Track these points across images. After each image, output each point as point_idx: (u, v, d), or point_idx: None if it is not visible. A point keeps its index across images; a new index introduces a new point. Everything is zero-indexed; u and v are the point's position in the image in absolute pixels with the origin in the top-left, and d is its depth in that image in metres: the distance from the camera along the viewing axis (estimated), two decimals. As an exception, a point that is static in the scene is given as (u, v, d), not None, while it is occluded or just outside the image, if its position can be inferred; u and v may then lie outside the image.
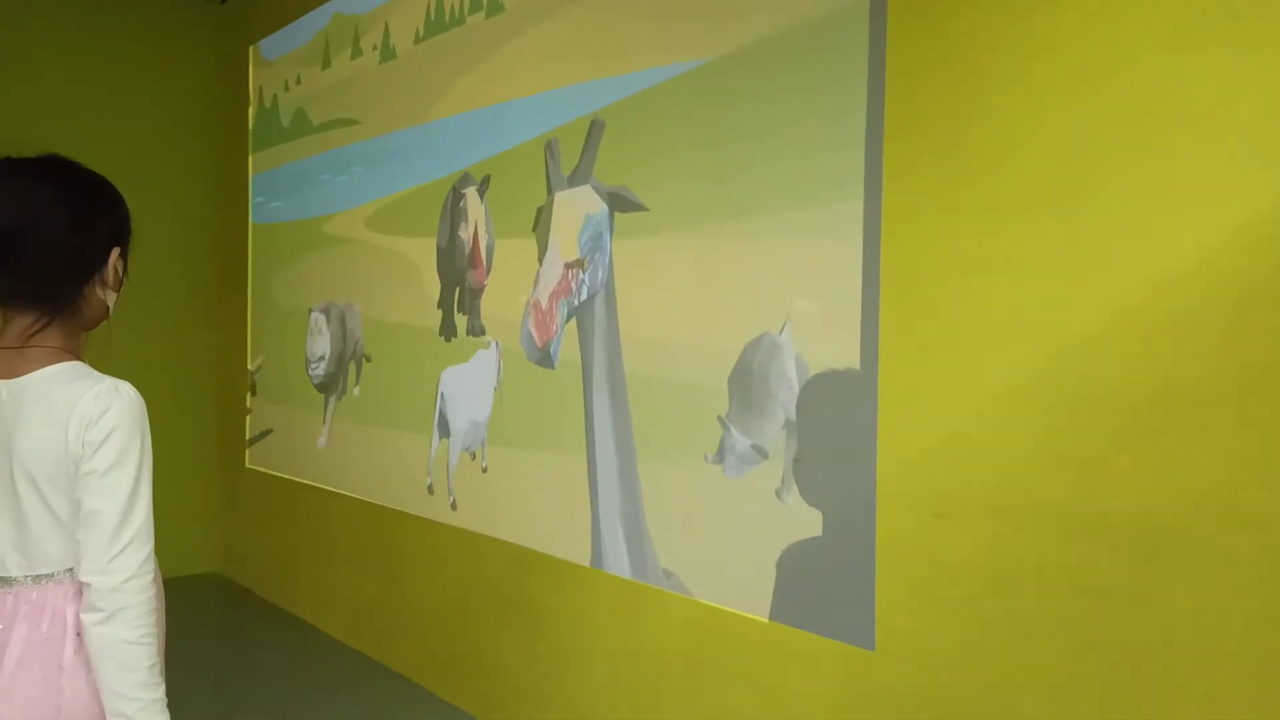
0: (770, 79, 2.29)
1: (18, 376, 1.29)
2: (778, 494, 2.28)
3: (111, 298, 1.40)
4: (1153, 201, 1.67)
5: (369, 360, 3.93)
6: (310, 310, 4.58)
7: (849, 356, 2.12)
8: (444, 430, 3.41)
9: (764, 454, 2.30)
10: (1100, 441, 1.73)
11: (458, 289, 3.40)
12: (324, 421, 4.28)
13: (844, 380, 2.14)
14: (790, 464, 2.25)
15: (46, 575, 1.31)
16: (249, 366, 4.79)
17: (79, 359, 1.34)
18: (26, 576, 1.31)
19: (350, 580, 3.96)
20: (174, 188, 4.96)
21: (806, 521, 2.22)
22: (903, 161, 2.01)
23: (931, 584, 1.98)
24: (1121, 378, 1.71)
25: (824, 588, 2.19)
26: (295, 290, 4.43)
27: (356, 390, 4.00)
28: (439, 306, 3.47)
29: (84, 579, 1.25)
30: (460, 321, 3.36)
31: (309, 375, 4.61)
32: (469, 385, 3.30)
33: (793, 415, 2.24)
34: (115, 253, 1.38)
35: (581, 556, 2.82)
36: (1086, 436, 1.75)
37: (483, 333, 3.25)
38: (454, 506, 3.33)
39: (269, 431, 4.60)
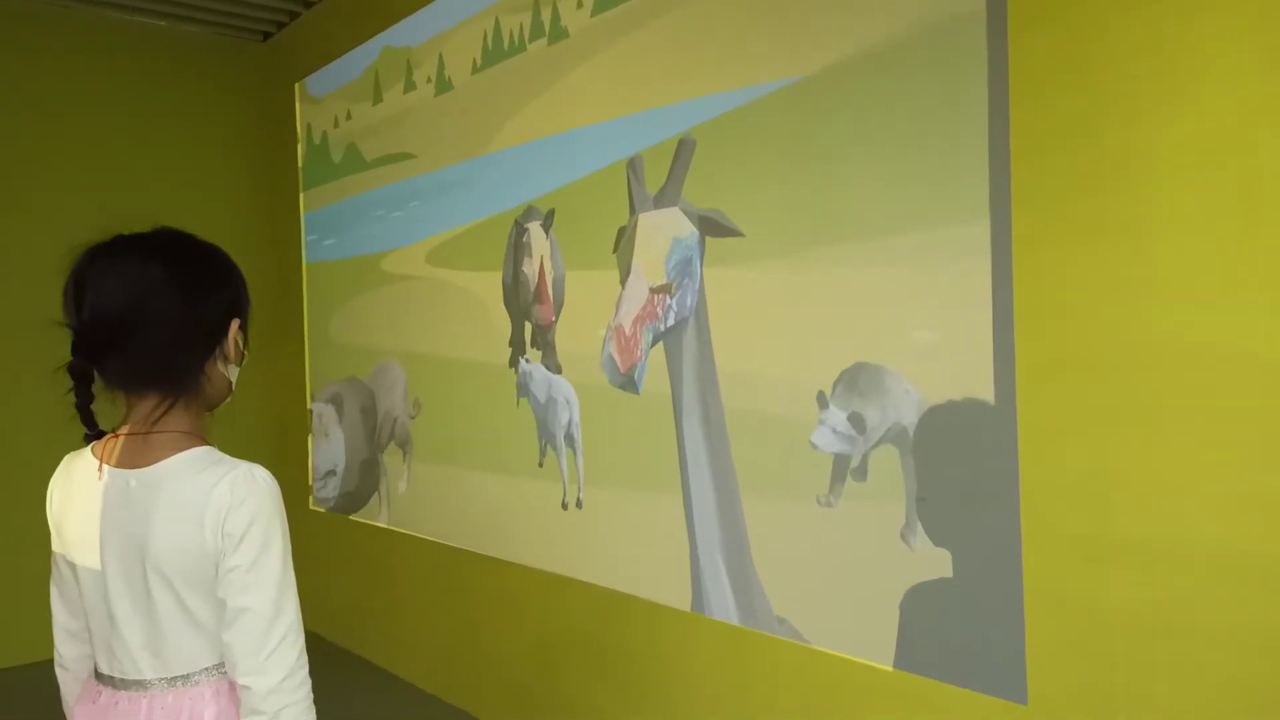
0: (874, 93, 2.17)
1: (147, 465, 1.20)
2: (903, 536, 2.14)
3: (234, 373, 1.31)
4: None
5: (414, 416, 3.73)
6: (314, 400, 4.27)
7: (979, 387, 1.99)
8: (544, 434, 3.20)
9: (862, 428, 2.18)
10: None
11: (527, 324, 3.30)
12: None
13: (973, 412, 2.01)
14: (914, 503, 2.12)
15: (183, 677, 1.21)
16: (310, 405, 4.72)
17: (206, 442, 1.25)
18: (161, 679, 1.22)
19: (427, 624, 3.86)
20: (224, 229, 4.84)
21: (934, 561, 2.09)
22: (1033, 177, 1.88)
23: (1091, 632, 1.83)
24: (1305, 405, 1.57)
25: (958, 633, 2.05)
26: (354, 328, 4.36)
27: (403, 485, 3.77)
28: (510, 344, 3.37)
29: (240, 681, 1.16)
30: (534, 358, 3.26)
31: (313, 496, 4.23)
32: (544, 387, 3.19)
33: (904, 422, 2.12)
34: (235, 325, 1.29)
35: (681, 601, 2.70)
36: (1269, 470, 1.61)
37: (559, 370, 3.14)
38: (579, 504, 3.10)
39: (334, 471, 4.52)
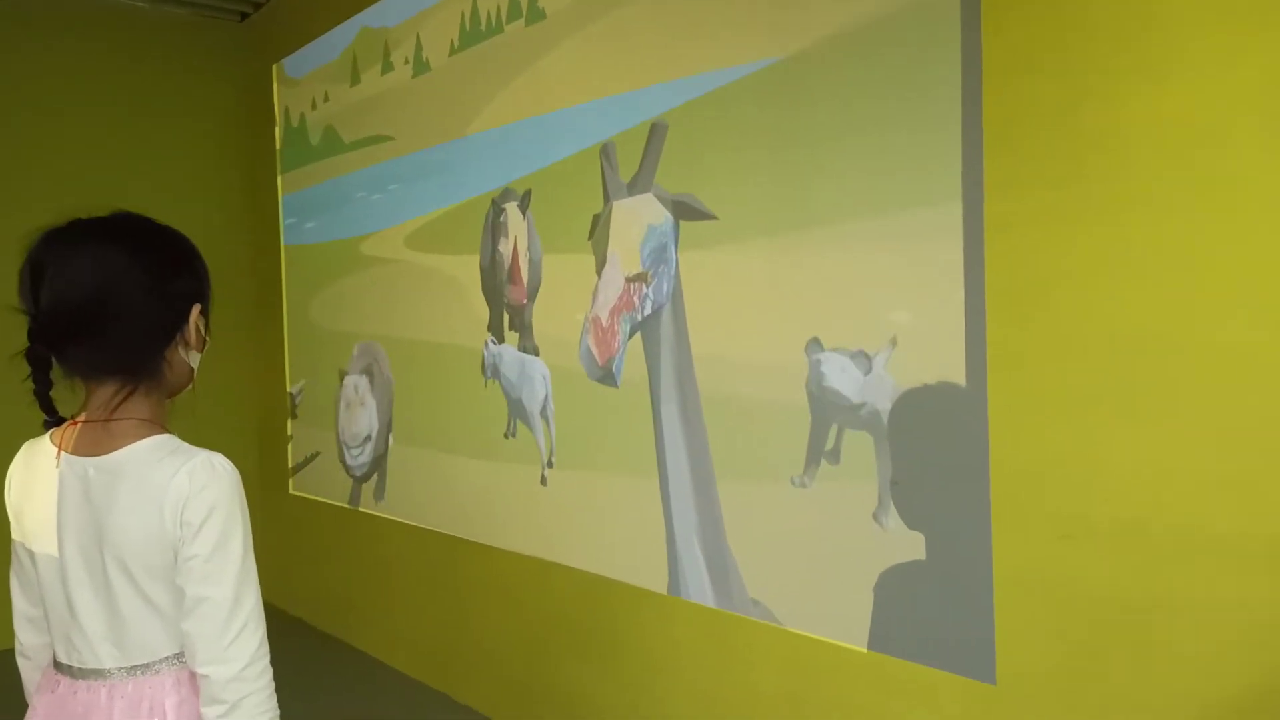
0: (848, 76, 2.16)
1: (106, 454, 1.19)
2: (875, 517, 2.15)
3: (195, 359, 1.30)
4: (1298, 195, 1.54)
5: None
6: (343, 374, 4.18)
7: (950, 370, 2.00)
8: (518, 412, 3.21)
9: (866, 368, 2.15)
10: (1254, 459, 1.60)
11: (504, 307, 3.29)
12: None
13: (945, 395, 2.01)
14: (888, 485, 2.13)
15: (143, 666, 1.21)
16: (289, 389, 4.70)
17: (167, 430, 1.24)
18: (121, 668, 1.21)
19: (410, 609, 3.87)
20: (201, 211, 4.85)
21: (907, 544, 2.10)
22: (1006, 159, 1.88)
23: (1060, 614, 1.85)
24: (1271, 388, 1.57)
25: (931, 615, 2.07)
26: (335, 312, 4.34)
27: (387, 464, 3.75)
28: (489, 328, 3.36)
29: (200, 671, 1.16)
30: (511, 340, 3.25)
31: (344, 465, 4.19)
32: (516, 367, 3.22)
33: (878, 406, 2.12)
34: (195, 310, 1.27)
35: (658, 583, 2.71)
36: (1239, 453, 1.62)
37: (536, 353, 3.13)
38: (551, 464, 3.10)
39: (317, 454, 4.50)
